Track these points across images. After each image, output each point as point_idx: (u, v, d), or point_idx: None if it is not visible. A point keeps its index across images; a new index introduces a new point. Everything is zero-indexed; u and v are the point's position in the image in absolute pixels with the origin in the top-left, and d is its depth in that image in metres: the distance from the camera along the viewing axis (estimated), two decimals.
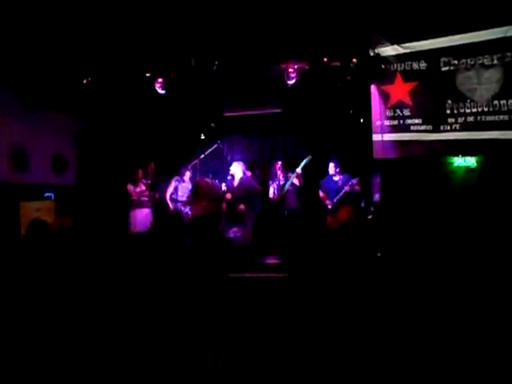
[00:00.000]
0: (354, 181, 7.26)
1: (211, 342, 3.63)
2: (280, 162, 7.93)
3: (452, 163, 7.20)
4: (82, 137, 8.61)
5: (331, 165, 7.57)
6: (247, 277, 5.54)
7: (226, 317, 4.16)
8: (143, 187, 7.96)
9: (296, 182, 7.60)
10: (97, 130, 8.63)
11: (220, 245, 6.27)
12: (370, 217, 7.52)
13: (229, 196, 7.50)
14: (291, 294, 4.86)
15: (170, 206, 8.06)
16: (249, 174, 8.02)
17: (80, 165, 8.57)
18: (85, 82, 7.42)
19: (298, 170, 7.48)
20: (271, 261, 6.69)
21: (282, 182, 7.73)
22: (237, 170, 7.64)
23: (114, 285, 4.88)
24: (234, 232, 7.22)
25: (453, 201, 6.88)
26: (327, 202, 7.50)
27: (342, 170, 7.56)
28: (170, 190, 8.12)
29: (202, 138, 9.05)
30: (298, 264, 5.87)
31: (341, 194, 7.32)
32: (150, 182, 8.08)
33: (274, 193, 7.83)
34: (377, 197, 7.65)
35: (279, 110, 8.50)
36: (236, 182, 7.62)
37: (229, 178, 7.74)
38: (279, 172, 7.85)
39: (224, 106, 8.61)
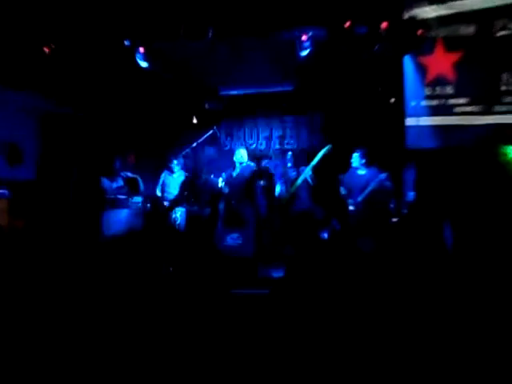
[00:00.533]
0: (383, 176, 6.61)
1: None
2: (290, 153, 7.52)
3: (508, 153, 6.58)
4: (45, 120, 8.01)
5: (356, 155, 6.93)
6: (250, 294, 5.14)
7: (224, 342, 3.80)
8: (121, 182, 7.32)
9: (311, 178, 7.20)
10: (64, 112, 8.05)
11: (215, 255, 6.32)
12: (395, 220, 6.91)
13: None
14: (300, 314, 4.37)
15: (164, 204, 7.54)
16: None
17: (42, 155, 7.93)
18: (47, 50, 6.74)
19: (315, 162, 7.00)
20: (279, 274, 6.17)
21: (292, 177, 7.28)
22: (244, 157, 7.18)
23: (78, 301, 4.55)
24: (233, 239, 6.81)
25: (509, 201, 6.22)
26: (349, 201, 6.85)
27: (369, 162, 6.97)
28: (160, 184, 7.57)
29: (194, 122, 8.57)
30: (308, 278, 5.32)
31: (367, 192, 6.66)
32: (130, 176, 7.46)
33: (281, 190, 7.34)
34: (411, 195, 7.02)
35: (290, 88, 8.20)
36: (237, 171, 7.13)
37: (228, 171, 7.24)
38: (289, 165, 7.38)
39: (221, 83, 8.34)
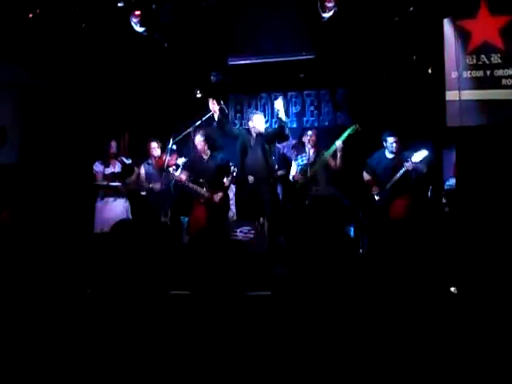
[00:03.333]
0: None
1: None
2: (310, 132, 7.37)
3: None
4: (30, 97, 8.02)
5: (386, 135, 6.98)
6: (264, 295, 5.04)
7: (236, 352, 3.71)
8: (117, 168, 7.35)
9: (331, 161, 7.08)
10: (50, 87, 8.06)
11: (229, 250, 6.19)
12: (447, 209, 6.93)
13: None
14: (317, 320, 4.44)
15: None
16: None
17: (25, 136, 8.00)
18: (31, 15, 6.87)
19: (339, 142, 6.92)
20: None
21: (311, 160, 7.21)
22: (262, 126, 7.10)
23: (66, 305, 4.56)
24: (243, 232, 6.78)
25: None
26: (374, 188, 6.85)
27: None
28: (142, 176, 7.57)
29: (198, 96, 8.64)
30: (326, 280, 5.43)
31: (398, 175, 6.65)
32: (126, 161, 7.47)
33: (296, 173, 7.37)
34: (451, 182, 7.09)
35: (311, 56, 8.10)
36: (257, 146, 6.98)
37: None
38: (310, 145, 7.25)
39: (230, 50, 8.29)
